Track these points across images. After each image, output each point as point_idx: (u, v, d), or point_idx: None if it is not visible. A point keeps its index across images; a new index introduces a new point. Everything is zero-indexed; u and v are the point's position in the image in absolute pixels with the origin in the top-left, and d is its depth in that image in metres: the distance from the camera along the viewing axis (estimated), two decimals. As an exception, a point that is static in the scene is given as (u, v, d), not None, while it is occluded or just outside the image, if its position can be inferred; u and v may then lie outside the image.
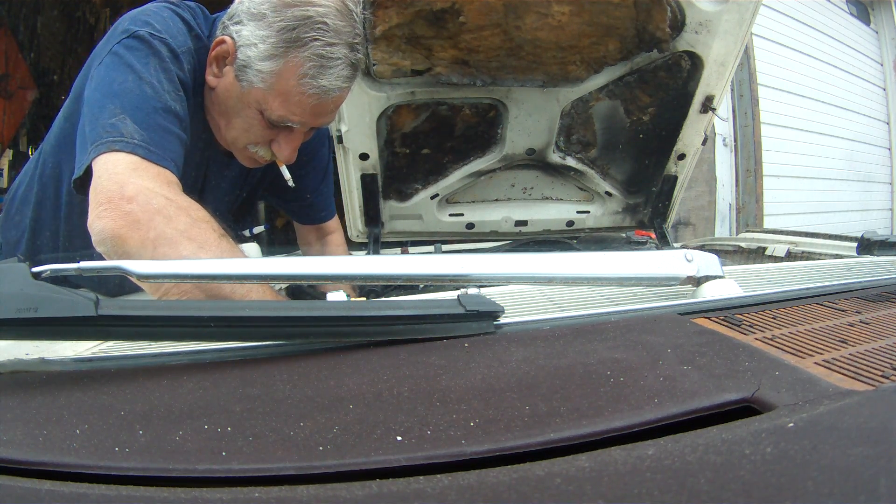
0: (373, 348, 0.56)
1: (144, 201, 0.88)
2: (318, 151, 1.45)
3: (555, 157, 1.75)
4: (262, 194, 1.51)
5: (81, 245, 1.20)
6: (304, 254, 1.65)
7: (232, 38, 1.04)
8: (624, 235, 2.12)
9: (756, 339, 0.56)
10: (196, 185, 1.21)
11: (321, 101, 1.04)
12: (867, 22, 6.44)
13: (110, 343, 0.67)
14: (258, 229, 1.65)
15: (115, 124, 0.93)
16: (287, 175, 1.18)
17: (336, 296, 0.74)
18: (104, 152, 0.92)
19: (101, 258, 0.90)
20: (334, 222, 1.61)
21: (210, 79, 1.09)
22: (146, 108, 0.97)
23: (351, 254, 1.74)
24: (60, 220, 1.22)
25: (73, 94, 1.12)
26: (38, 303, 0.50)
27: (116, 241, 0.87)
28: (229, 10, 1.08)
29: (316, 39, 0.99)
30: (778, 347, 0.53)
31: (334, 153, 1.58)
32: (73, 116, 1.09)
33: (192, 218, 0.91)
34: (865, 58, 6.29)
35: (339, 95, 1.07)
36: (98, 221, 0.88)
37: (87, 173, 0.94)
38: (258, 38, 1.00)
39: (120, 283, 1.26)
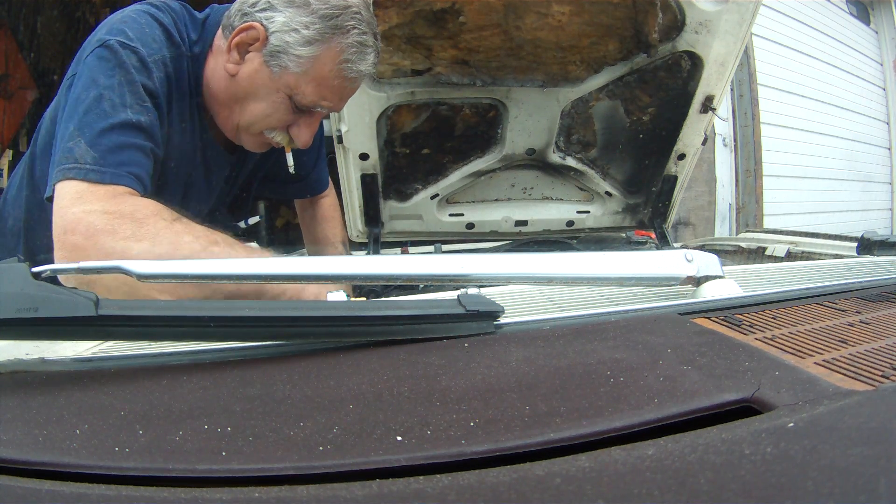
0: (373, 348, 0.56)
1: (84, 227, 0.90)
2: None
3: (555, 157, 1.75)
4: (259, 187, 1.51)
5: None
6: (301, 220, 1.66)
7: (262, 24, 1.07)
8: (624, 235, 2.12)
9: (756, 339, 0.56)
10: (192, 184, 1.22)
11: (354, 85, 1.13)
12: (867, 22, 6.44)
13: (110, 343, 0.67)
14: (254, 220, 1.65)
15: (71, 148, 0.96)
16: (290, 161, 1.22)
17: (336, 296, 0.74)
18: (60, 180, 0.95)
19: None
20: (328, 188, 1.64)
21: (230, 66, 1.11)
22: (99, 126, 0.98)
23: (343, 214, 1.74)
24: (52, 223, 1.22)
25: (59, 95, 1.12)
26: (38, 303, 0.50)
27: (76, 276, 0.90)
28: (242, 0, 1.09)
29: (355, 28, 1.06)
30: (778, 347, 0.53)
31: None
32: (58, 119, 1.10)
33: (137, 219, 0.92)
34: (865, 58, 6.29)
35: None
36: (57, 262, 0.91)
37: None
38: (300, 24, 1.05)
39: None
